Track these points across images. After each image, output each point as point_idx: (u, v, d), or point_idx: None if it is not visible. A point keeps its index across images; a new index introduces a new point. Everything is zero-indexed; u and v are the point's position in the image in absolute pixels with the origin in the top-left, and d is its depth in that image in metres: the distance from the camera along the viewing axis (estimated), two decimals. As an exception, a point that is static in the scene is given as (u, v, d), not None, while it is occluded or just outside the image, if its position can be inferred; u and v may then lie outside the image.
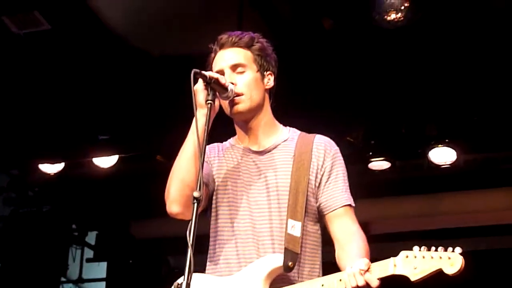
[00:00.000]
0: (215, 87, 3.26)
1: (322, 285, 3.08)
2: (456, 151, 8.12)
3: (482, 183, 9.02)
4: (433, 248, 2.89)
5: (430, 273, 2.85)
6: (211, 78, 3.23)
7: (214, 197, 3.47)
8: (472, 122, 7.99)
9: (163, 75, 7.65)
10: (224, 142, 3.65)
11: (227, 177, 3.46)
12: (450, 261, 2.82)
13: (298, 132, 3.59)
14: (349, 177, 3.53)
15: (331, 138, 3.59)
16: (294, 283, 3.27)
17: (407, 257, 2.91)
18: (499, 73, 6.93)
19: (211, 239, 3.49)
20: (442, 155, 8.18)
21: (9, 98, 8.17)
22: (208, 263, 3.48)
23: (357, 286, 2.96)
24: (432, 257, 2.85)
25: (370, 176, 8.59)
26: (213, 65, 3.51)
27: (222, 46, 3.51)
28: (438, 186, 9.10)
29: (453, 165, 8.27)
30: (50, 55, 7.61)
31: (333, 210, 3.39)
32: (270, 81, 3.55)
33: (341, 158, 3.51)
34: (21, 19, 7.11)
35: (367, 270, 2.97)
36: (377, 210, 9.21)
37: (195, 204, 2.90)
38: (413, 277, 2.89)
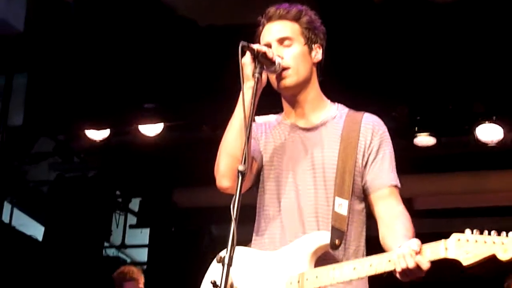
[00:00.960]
0: (263, 61, 3.21)
1: (371, 265, 2.98)
2: (503, 128, 8.06)
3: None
4: (486, 232, 2.74)
5: (483, 258, 2.73)
6: (258, 51, 3.19)
7: (261, 173, 3.44)
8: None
9: (210, 46, 7.66)
10: (270, 119, 3.62)
11: (274, 153, 3.44)
12: (504, 246, 2.69)
13: (347, 109, 3.52)
14: (394, 151, 3.47)
15: (376, 112, 3.53)
16: (339, 262, 3.20)
17: (459, 240, 2.79)
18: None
19: (257, 214, 3.47)
20: (489, 133, 8.13)
21: (58, 63, 8.25)
22: (254, 237, 3.47)
23: (407, 268, 2.86)
24: (485, 242, 2.73)
25: (415, 151, 8.55)
26: (261, 38, 3.46)
27: (269, 19, 3.46)
28: (484, 163, 9.05)
29: (500, 143, 8.22)
30: (99, 22, 7.66)
31: (379, 189, 3.33)
32: (318, 54, 3.46)
33: (389, 138, 3.44)
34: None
35: (419, 252, 2.86)
36: (421, 186, 9.15)
37: (240, 178, 2.89)
38: (465, 262, 2.76)
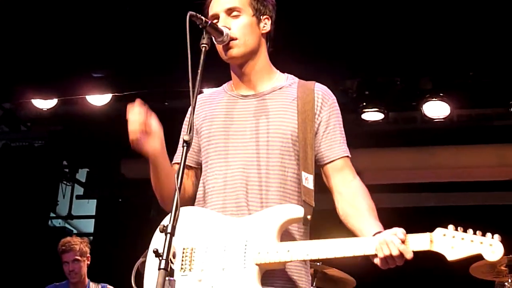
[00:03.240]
0: (210, 31, 3.20)
1: (350, 247, 2.99)
2: (450, 105, 8.17)
3: (475, 138, 9.08)
4: (470, 230, 2.84)
5: (469, 256, 2.84)
6: (206, 21, 3.18)
7: (203, 148, 3.45)
8: (467, 77, 8.00)
9: (161, 15, 7.59)
10: (217, 90, 3.62)
11: (218, 125, 3.42)
12: (492, 248, 2.80)
13: (297, 79, 3.53)
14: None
15: (326, 86, 3.55)
16: (300, 240, 3.25)
17: (444, 235, 2.86)
18: (497, 28, 6.88)
19: (199, 187, 3.45)
20: (436, 109, 8.26)
21: (5, 31, 8.11)
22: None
23: (390, 255, 2.89)
24: (472, 241, 2.82)
25: (363, 126, 8.63)
26: (209, 9, 3.45)
27: None
28: (431, 139, 9.16)
29: (446, 119, 8.35)
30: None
31: (332, 161, 3.35)
32: (266, 25, 3.47)
33: (338, 108, 3.47)
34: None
35: (404, 241, 2.90)
36: (369, 160, 9.19)
37: (185, 148, 2.89)
38: (450, 257, 2.85)
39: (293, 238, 3.26)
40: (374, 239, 2.97)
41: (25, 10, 7.81)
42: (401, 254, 2.88)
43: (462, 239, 2.84)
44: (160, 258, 2.67)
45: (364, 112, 8.43)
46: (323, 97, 3.43)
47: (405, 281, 8.16)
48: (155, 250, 2.72)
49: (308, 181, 3.26)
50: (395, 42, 7.13)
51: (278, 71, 3.55)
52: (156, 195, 3.38)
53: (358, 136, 8.18)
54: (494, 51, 7.08)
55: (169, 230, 2.73)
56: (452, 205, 9.51)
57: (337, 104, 3.47)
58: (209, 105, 3.51)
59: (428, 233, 2.89)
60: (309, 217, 3.18)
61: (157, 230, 3.21)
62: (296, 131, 3.32)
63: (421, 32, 6.99)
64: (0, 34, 7.99)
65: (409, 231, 2.94)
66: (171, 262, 2.70)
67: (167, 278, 2.65)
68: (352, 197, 3.26)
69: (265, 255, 3.08)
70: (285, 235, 3.21)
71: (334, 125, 3.40)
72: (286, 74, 3.55)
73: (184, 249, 3.21)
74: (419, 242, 2.89)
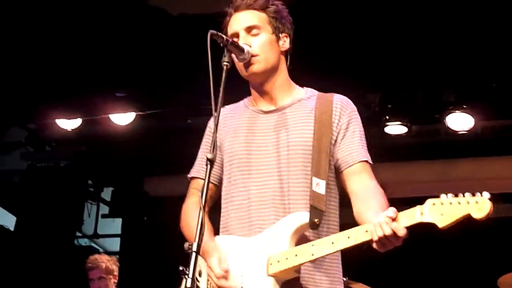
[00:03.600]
0: (231, 49, 3.27)
1: (348, 237, 3.03)
2: (473, 117, 8.14)
3: (499, 150, 9.02)
4: (460, 194, 2.82)
5: (458, 218, 2.81)
6: (227, 39, 3.24)
7: (226, 163, 3.50)
8: (491, 88, 7.98)
9: (181, 35, 7.66)
10: (236, 106, 3.67)
11: (239, 140, 3.48)
12: (478, 205, 2.77)
13: (316, 92, 3.58)
14: (365, 139, 3.51)
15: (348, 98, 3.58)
16: None
17: (434, 204, 2.85)
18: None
19: (223, 203, 3.50)
20: (460, 121, 8.21)
21: (29, 51, 8.21)
22: (221, 228, 3.48)
23: (384, 235, 2.90)
24: (459, 203, 2.80)
25: (386, 140, 8.62)
26: (228, 28, 3.51)
27: (237, 9, 3.51)
28: (454, 152, 9.12)
29: (470, 131, 8.30)
30: (69, 11, 7.63)
31: (350, 165, 3.38)
32: (285, 43, 3.54)
33: (358, 116, 3.50)
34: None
35: (394, 219, 2.91)
36: (392, 174, 9.18)
37: (208, 166, 2.93)
38: (440, 224, 2.83)
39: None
40: (368, 224, 2.99)
41: (48, 32, 7.91)
42: (394, 233, 2.89)
43: (450, 203, 2.82)
44: (186, 276, 2.70)
45: (387, 125, 8.42)
46: (342, 106, 3.47)
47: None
48: (180, 269, 2.76)
49: (320, 186, 3.29)
50: (417, 55, 7.16)
51: (297, 86, 3.61)
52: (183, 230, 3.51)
53: (381, 150, 8.17)
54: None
55: (194, 248, 2.76)
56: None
57: (356, 112, 3.52)
58: (231, 120, 3.57)
59: (418, 206, 2.91)
60: (316, 220, 3.21)
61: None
62: (311, 139, 3.37)
63: (443, 45, 7.02)
64: (24, 56, 8.09)
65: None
66: (197, 281, 2.73)
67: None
68: (366, 196, 3.27)
69: (276, 264, 3.14)
70: (302, 241, 3.23)
71: (353, 132, 3.44)
72: (305, 88, 3.61)
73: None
74: (410, 216, 2.90)
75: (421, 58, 7.20)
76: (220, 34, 3.22)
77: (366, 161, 3.40)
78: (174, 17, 7.80)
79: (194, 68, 5.73)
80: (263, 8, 3.49)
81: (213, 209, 3.53)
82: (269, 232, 3.25)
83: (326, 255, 3.15)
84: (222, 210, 3.49)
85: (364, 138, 3.47)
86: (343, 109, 3.46)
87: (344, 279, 6.49)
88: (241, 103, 3.67)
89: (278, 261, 3.14)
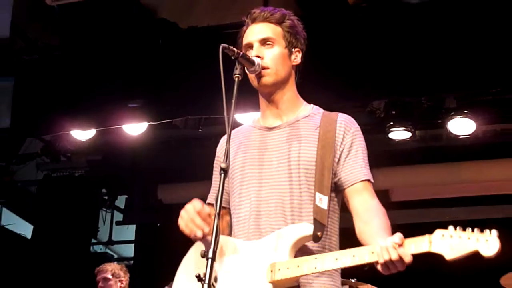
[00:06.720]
0: (242, 61, 3.32)
1: (354, 256, 3.04)
2: (474, 122, 8.29)
3: (500, 153, 9.15)
4: (468, 228, 2.85)
5: (466, 253, 2.83)
6: (238, 52, 3.29)
7: (236, 180, 3.54)
8: (491, 94, 8.13)
9: (191, 46, 7.83)
10: (242, 127, 3.74)
11: (250, 156, 3.54)
12: (488, 243, 2.79)
13: (322, 110, 3.61)
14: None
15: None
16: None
17: (443, 236, 2.87)
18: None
19: (233, 217, 3.54)
20: (461, 126, 8.37)
21: (44, 66, 8.39)
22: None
23: (390, 259, 2.90)
24: (469, 238, 2.83)
25: (391, 145, 8.78)
26: (244, 38, 3.57)
27: (254, 20, 3.57)
28: (456, 156, 9.23)
29: (471, 135, 8.46)
30: (83, 26, 7.83)
31: (353, 184, 3.40)
32: (297, 58, 3.59)
33: (361, 135, 3.53)
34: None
35: (401, 245, 2.92)
36: (397, 178, 9.37)
37: (222, 175, 3.02)
38: (448, 256, 2.85)
39: (309, 255, 3.27)
40: (374, 246, 3.00)
41: (63, 45, 8.11)
42: (400, 258, 2.91)
43: (460, 237, 2.85)
44: (203, 283, 2.78)
45: (392, 131, 8.51)
46: (346, 125, 3.51)
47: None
48: (197, 274, 2.87)
49: (322, 201, 3.33)
50: (420, 63, 7.21)
51: (305, 102, 3.65)
52: None
53: (386, 155, 8.38)
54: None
55: (210, 255, 2.83)
56: (482, 218, 9.54)
57: (360, 132, 3.54)
58: (239, 139, 3.63)
59: (427, 235, 2.92)
60: (319, 234, 3.24)
61: (191, 253, 3.50)
62: (315, 156, 3.40)
63: (444, 54, 7.08)
64: (40, 70, 8.29)
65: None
66: (213, 286, 2.83)
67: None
68: (367, 216, 3.30)
69: (277, 272, 3.16)
70: (303, 252, 3.26)
71: (356, 151, 3.47)
72: (311, 105, 3.65)
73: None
74: (419, 245, 2.93)
75: (423, 66, 7.22)
76: (232, 47, 3.28)
77: (368, 180, 3.43)
78: (183, 30, 7.99)
79: (205, 79, 5.93)
80: (279, 22, 3.55)
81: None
82: (273, 238, 3.27)
83: (328, 270, 3.19)
84: (233, 221, 3.54)
85: (366, 157, 3.49)
86: (347, 128, 3.50)
87: (353, 280, 6.62)
88: (246, 125, 3.72)
89: (279, 270, 3.15)
